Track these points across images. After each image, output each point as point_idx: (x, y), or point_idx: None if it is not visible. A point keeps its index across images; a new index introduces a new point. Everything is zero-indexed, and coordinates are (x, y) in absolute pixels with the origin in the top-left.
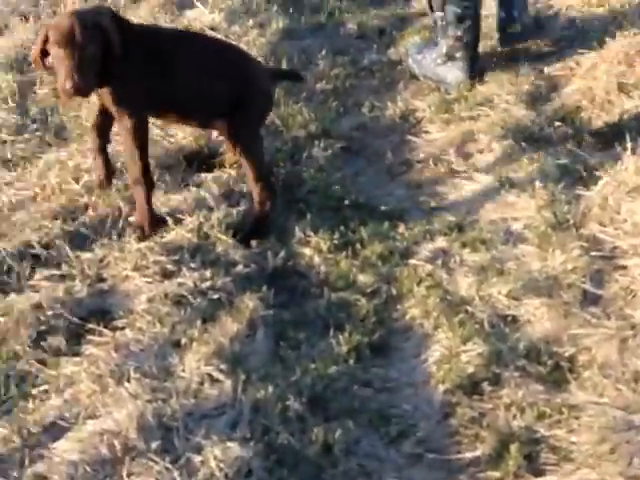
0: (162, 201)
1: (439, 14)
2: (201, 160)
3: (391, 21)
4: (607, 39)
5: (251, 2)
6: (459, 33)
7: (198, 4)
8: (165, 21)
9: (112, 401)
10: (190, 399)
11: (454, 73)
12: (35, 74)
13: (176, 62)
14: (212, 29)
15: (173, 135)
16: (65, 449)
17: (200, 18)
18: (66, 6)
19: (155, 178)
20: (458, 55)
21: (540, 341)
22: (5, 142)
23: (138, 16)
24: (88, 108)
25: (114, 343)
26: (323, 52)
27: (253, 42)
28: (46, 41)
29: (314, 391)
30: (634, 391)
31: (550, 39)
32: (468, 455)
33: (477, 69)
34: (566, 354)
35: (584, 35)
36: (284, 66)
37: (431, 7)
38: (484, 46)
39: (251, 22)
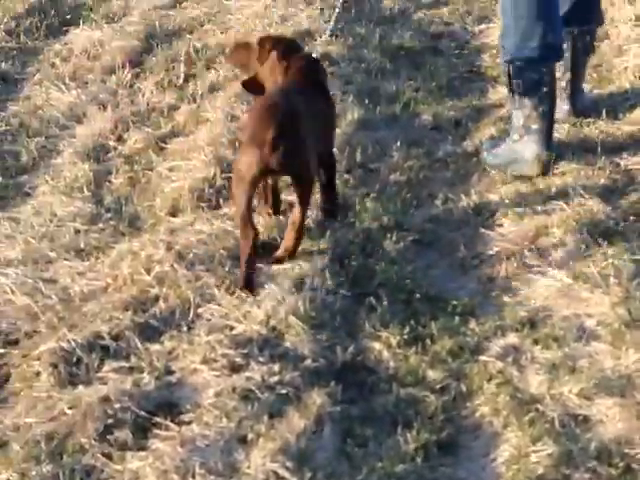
0: (232, 294)
1: (516, 81)
2: (271, 252)
3: (467, 112)
4: None
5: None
6: (536, 101)
7: None
8: (241, 111)
9: None
10: None
11: (531, 148)
12: (111, 163)
13: None
14: None
15: None
16: None
17: None
18: (144, 95)
19: (226, 269)
20: (535, 127)
21: (612, 442)
22: (79, 232)
23: (214, 106)
24: (162, 197)
25: (180, 438)
26: (398, 143)
27: None
28: None
29: None
30: None
31: (627, 130)
32: None
33: (553, 147)
34: (638, 456)
35: None
36: (358, 157)
37: (510, 83)
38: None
39: None
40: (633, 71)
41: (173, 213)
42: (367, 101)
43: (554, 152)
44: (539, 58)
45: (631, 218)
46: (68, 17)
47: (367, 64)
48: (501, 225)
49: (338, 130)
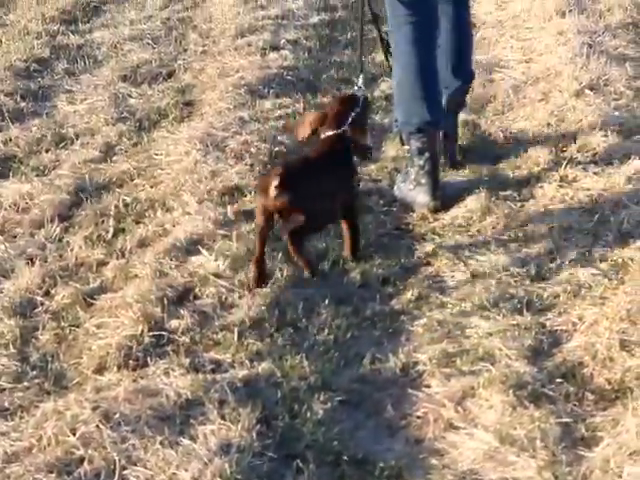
0: (158, 456)
1: (407, 147)
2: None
3: (395, 270)
4: (609, 295)
5: (255, 250)
6: (422, 163)
7: (203, 251)
8: (170, 267)
9: None
10: None
11: (422, 197)
12: (38, 319)
13: None
14: (216, 276)
15: (171, 384)
16: None
17: (205, 264)
18: (73, 249)
19: (153, 429)
20: (423, 181)
21: None
22: (4, 390)
23: (143, 261)
24: (88, 355)
25: None
26: (326, 301)
27: (257, 291)
28: None
29: None
30: None
31: (553, 291)
32: None
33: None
34: None
35: (587, 290)
36: (287, 316)
37: (402, 141)
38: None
39: None
40: (558, 231)
41: (100, 371)
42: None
43: (439, 200)
44: (419, 131)
45: (557, 380)
46: None
47: None
48: (428, 386)
49: (267, 289)
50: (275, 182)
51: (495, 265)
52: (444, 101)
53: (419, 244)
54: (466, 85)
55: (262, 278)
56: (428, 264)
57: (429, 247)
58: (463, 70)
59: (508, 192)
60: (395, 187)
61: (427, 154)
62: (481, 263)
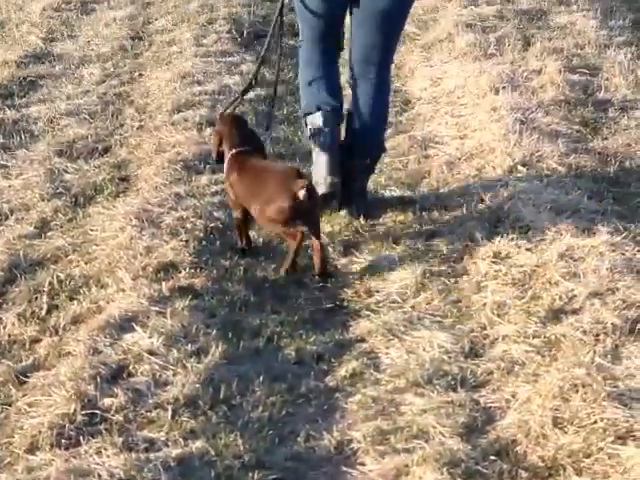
0: None
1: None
2: None
3: (329, 347)
4: (542, 372)
5: (191, 326)
6: (319, 141)
7: (137, 328)
8: (104, 345)
9: None
10: None
11: (320, 172)
12: None
13: None
14: (150, 353)
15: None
16: None
17: (139, 342)
18: (5, 327)
19: None
20: (322, 160)
21: None
22: None
23: (76, 339)
24: (20, 434)
25: None
26: (261, 378)
27: (191, 368)
28: None
29: None
30: None
31: (486, 367)
32: None
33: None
34: None
35: (520, 366)
36: (222, 393)
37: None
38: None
39: (189, 347)
40: (491, 307)
41: (31, 451)
42: (231, 335)
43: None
44: (310, 113)
45: (491, 458)
46: None
47: (231, 297)
48: (363, 464)
49: (201, 366)
50: (304, 188)
51: (429, 341)
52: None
53: (354, 320)
54: (373, 159)
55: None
56: (363, 340)
57: (364, 323)
58: (373, 143)
59: (442, 267)
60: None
61: (322, 138)
62: (415, 339)
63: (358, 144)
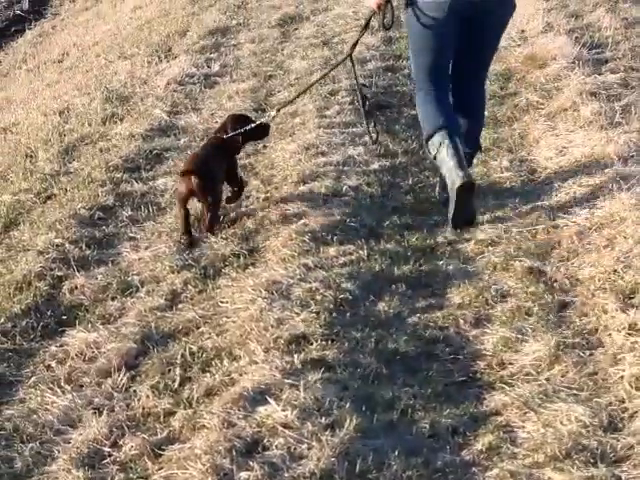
0: None
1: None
2: None
3: (464, 420)
4: None
5: (324, 399)
6: (444, 150)
7: (271, 400)
8: (238, 417)
9: None
10: None
11: (456, 179)
12: (106, 470)
13: None
14: (284, 426)
15: None
16: None
17: (273, 415)
18: (140, 399)
19: None
20: (452, 164)
21: None
22: None
23: (210, 411)
24: None
25: None
26: (396, 453)
27: (326, 442)
28: None
29: None
30: None
31: (626, 442)
32: None
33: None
34: None
35: None
36: (357, 467)
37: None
38: None
39: (323, 420)
40: (629, 380)
41: None
42: (364, 408)
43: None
44: (433, 135)
45: None
46: (64, 317)
47: (363, 369)
48: None
49: (336, 439)
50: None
51: (566, 415)
52: None
53: (488, 393)
54: (473, 152)
55: None
56: (498, 414)
57: (498, 396)
58: (472, 140)
59: (576, 339)
60: (438, 193)
61: (447, 142)
62: (552, 412)
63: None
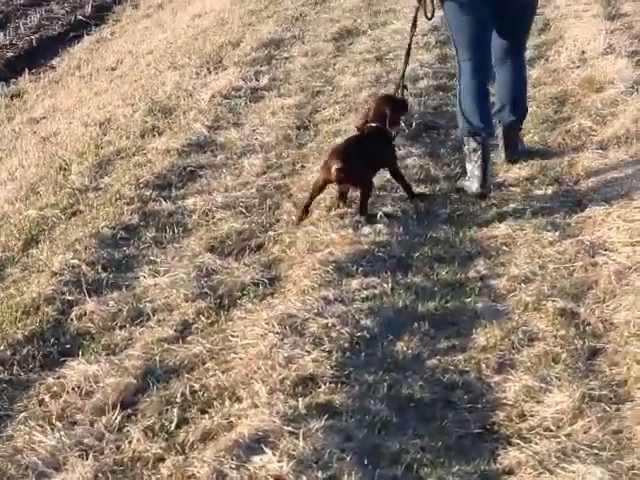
0: None
1: (464, 146)
2: None
3: (474, 479)
4: None
5: (325, 450)
6: (475, 159)
7: (267, 450)
8: (230, 467)
9: None
10: None
11: (474, 185)
12: None
13: None
14: (277, 479)
15: None
16: None
17: (267, 466)
18: (131, 442)
19: None
20: (476, 174)
21: None
22: None
23: (202, 459)
24: None
25: None
26: None
27: None
28: None
29: None
30: None
31: None
32: None
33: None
34: None
35: None
36: None
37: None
38: None
39: (320, 474)
40: None
41: None
42: (367, 461)
43: (486, 189)
44: (474, 134)
45: None
46: (68, 346)
47: (371, 417)
48: None
49: None
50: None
51: (583, 477)
52: (500, 132)
53: (503, 449)
54: (520, 119)
55: None
56: (511, 473)
57: (513, 453)
58: (519, 107)
59: (604, 392)
60: (458, 182)
61: (479, 153)
62: (568, 474)
63: (510, 106)
